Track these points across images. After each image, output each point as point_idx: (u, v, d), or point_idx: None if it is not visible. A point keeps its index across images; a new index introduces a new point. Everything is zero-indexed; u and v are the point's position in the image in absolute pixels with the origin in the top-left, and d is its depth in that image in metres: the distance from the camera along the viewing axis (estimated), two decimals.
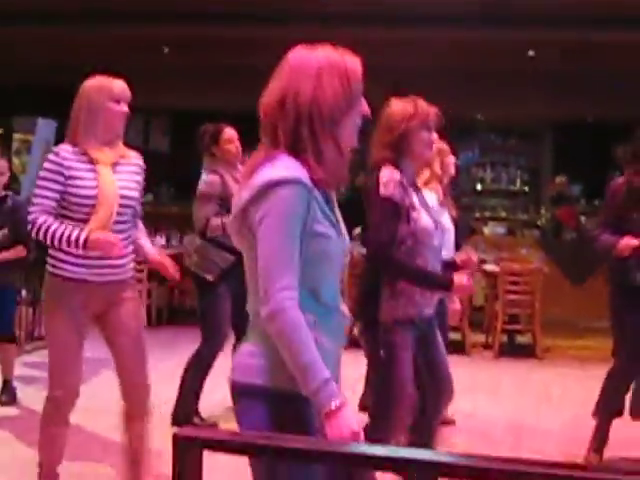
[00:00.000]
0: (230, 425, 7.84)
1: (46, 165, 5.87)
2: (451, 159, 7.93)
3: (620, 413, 7.59)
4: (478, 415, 9.19)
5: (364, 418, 5.66)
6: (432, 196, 7.39)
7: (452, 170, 8.06)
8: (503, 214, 20.16)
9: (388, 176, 5.38)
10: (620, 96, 17.50)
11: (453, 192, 8.23)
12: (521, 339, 13.15)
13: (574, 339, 13.88)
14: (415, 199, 5.58)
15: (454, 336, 11.96)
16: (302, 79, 3.35)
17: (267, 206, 3.23)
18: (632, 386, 8.59)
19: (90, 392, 6.28)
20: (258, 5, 14.13)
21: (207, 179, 8.12)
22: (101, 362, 7.68)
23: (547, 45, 15.29)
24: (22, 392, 9.10)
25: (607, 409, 7.45)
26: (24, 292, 11.81)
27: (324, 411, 3.18)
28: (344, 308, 3.54)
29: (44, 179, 5.84)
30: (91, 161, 5.90)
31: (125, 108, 6.09)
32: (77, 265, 5.88)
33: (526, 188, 20.93)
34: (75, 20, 14.99)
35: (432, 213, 5.87)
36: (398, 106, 5.58)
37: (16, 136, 21.31)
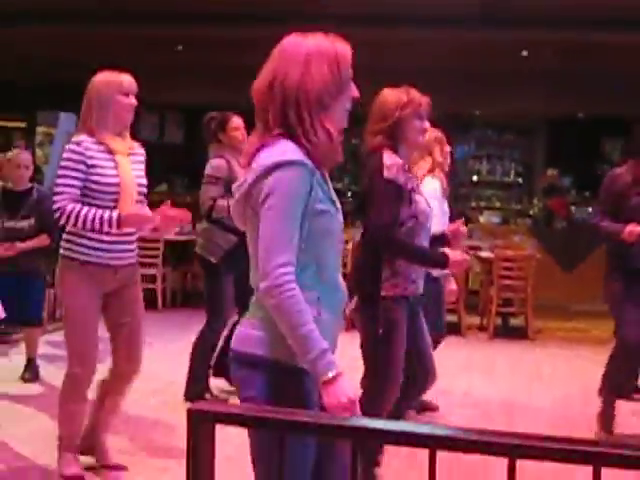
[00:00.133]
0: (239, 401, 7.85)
1: (68, 155, 5.87)
2: (448, 148, 7.91)
3: (626, 392, 7.57)
4: (473, 393, 9.20)
5: (359, 390, 5.64)
6: (436, 183, 7.38)
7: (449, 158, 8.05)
8: (498, 204, 20.16)
9: (392, 160, 5.37)
10: (609, 94, 17.47)
11: (450, 182, 8.18)
12: (514, 321, 13.15)
13: (564, 321, 13.89)
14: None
15: (451, 318, 11.97)
16: (291, 64, 3.33)
17: (270, 187, 3.23)
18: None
19: (106, 369, 6.28)
20: (266, 7, 14.11)
21: (214, 163, 8.12)
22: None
23: (540, 46, 15.26)
24: (44, 370, 9.13)
25: (611, 389, 7.41)
26: (48, 277, 11.84)
27: (322, 379, 3.18)
28: (343, 284, 3.54)
29: (67, 168, 5.85)
30: (109, 151, 5.95)
31: (133, 101, 6.12)
32: (97, 249, 5.93)
33: (520, 180, 20.91)
34: (95, 20, 14.98)
35: (424, 196, 5.93)
36: (392, 95, 5.57)
37: (39, 129, 21.38)
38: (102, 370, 6.25)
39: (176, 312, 13.51)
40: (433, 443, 2.29)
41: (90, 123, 5.97)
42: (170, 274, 14.21)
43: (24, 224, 8.77)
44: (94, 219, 5.70)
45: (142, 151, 6.34)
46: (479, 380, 9.79)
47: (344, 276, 3.63)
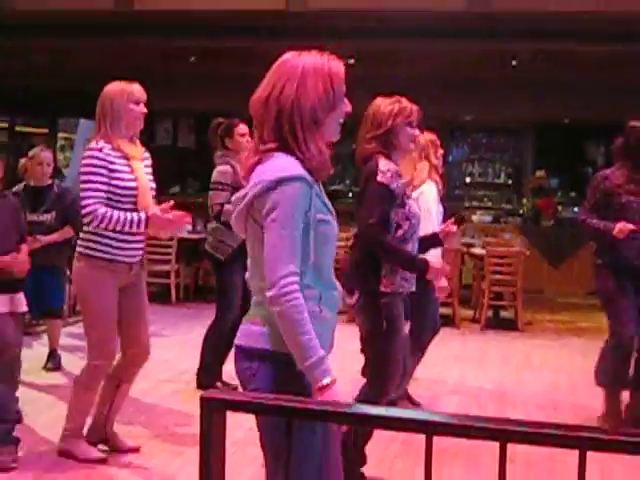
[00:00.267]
0: None
1: (92, 161, 5.90)
2: (441, 151, 7.89)
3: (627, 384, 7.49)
4: (467, 380, 9.20)
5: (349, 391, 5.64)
6: (433, 187, 7.37)
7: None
8: (489, 204, 20.13)
9: (387, 166, 5.38)
10: (592, 101, 17.47)
11: (444, 183, 8.15)
12: (505, 314, 13.15)
13: (551, 314, 13.88)
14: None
15: (445, 311, 11.99)
16: (287, 80, 3.32)
17: (274, 201, 3.22)
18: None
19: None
20: (272, 21, 14.12)
21: (220, 169, 8.11)
22: None
23: (528, 56, 15.26)
24: (65, 360, 9.13)
25: (611, 382, 7.35)
26: (68, 271, 11.85)
27: (317, 385, 3.21)
28: (338, 283, 3.55)
29: (92, 174, 5.88)
30: (125, 157, 6.00)
31: (144, 109, 6.17)
32: (121, 248, 6.01)
33: (510, 181, 20.89)
34: (112, 33, 14.99)
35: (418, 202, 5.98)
36: (385, 104, 5.57)
37: (60, 135, 21.43)
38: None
39: (188, 305, 13.51)
40: (429, 429, 2.29)
41: (105, 130, 6.01)
42: (183, 270, 14.21)
43: (46, 218, 8.79)
44: (125, 222, 5.81)
45: (149, 155, 6.38)
46: (472, 369, 9.79)
47: (337, 271, 3.64)
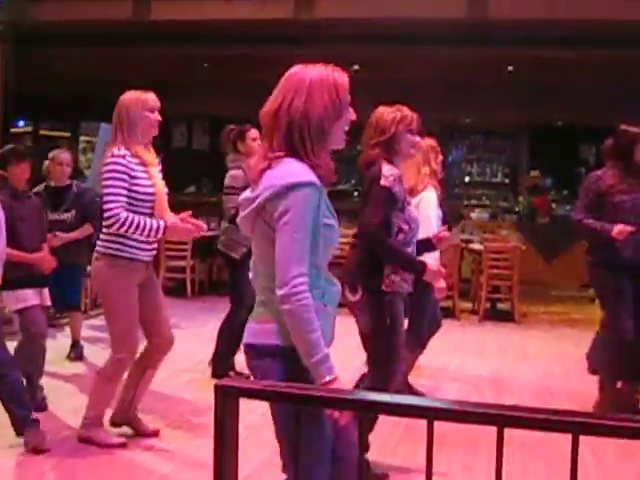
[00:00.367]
0: None
1: (115, 167, 5.91)
2: (441, 157, 7.87)
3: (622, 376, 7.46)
4: (466, 369, 9.20)
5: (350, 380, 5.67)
6: (433, 193, 7.35)
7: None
8: (487, 202, 20.12)
9: (390, 171, 5.38)
10: (584, 104, 17.46)
11: (442, 187, 8.11)
12: (502, 306, 13.13)
13: (546, 306, 13.87)
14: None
15: (446, 303, 11.97)
16: (295, 93, 3.34)
17: (287, 205, 3.23)
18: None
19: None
20: (282, 30, 14.12)
21: (232, 173, 8.12)
22: None
23: (524, 62, 15.26)
24: (87, 350, 9.15)
25: (609, 374, 7.31)
26: (89, 267, 11.86)
27: (321, 381, 3.22)
28: (336, 280, 3.58)
29: (115, 179, 5.90)
30: (143, 163, 6.04)
31: (158, 116, 6.21)
32: (141, 249, 6.07)
33: (506, 180, 20.94)
34: (130, 42, 15.00)
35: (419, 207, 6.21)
36: (387, 112, 5.58)
37: (82, 138, 21.46)
38: None
39: (203, 299, 13.52)
40: (431, 414, 2.30)
41: (123, 137, 6.04)
42: (198, 266, 14.22)
43: (66, 216, 8.78)
44: (144, 227, 5.85)
45: (159, 161, 6.38)
46: (471, 358, 9.79)
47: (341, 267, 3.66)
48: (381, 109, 5.65)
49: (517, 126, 20.01)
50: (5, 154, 7.23)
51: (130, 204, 5.92)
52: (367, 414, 3.03)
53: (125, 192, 5.90)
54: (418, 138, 5.77)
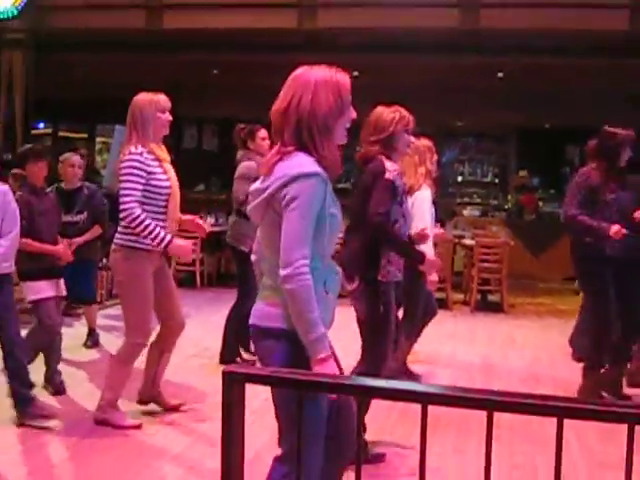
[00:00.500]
0: None
1: (133, 164, 5.96)
2: (436, 156, 7.86)
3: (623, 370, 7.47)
4: (458, 356, 9.19)
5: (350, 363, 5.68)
6: (428, 192, 7.34)
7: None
8: (478, 200, 20.13)
9: (393, 166, 5.43)
10: (570, 108, 17.46)
11: (437, 185, 8.11)
12: (492, 297, 13.12)
13: (533, 297, 13.87)
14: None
15: (439, 295, 11.95)
16: (302, 92, 3.41)
17: (294, 193, 3.30)
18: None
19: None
20: (287, 37, 14.12)
21: (245, 164, 8.12)
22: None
23: (513, 69, 15.25)
24: (103, 338, 9.15)
25: (593, 361, 7.30)
26: (104, 260, 11.88)
27: (316, 357, 3.27)
28: (338, 268, 3.64)
29: (132, 175, 5.95)
30: (158, 159, 6.08)
31: (169, 116, 6.27)
32: None
33: (496, 180, 20.91)
34: (144, 50, 15.01)
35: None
36: (386, 112, 5.61)
37: (98, 139, 21.46)
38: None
39: (212, 290, 13.52)
40: (425, 399, 2.30)
41: (138, 136, 6.08)
42: (207, 259, 14.22)
43: (79, 218, 8.74)
44: (152, 232, 5.90)
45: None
46: (463, 346, 9.79)
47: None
48: (380, 109, 5.66)
49: (506, 129, 19.99)
50: (24, 153, 7.24)
51: (147, 197, 5.98)
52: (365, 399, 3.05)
53: (141, 187, 5.94)
54: (413, 138, 5.82)
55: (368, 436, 5.68)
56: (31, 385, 6.37)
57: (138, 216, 5.88)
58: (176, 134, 6.36)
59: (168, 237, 5.95)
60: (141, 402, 6.65)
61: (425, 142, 7.43)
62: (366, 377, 4.79)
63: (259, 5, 13.85)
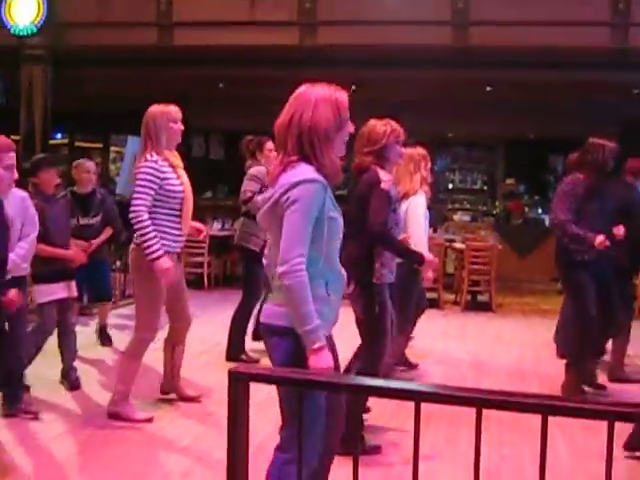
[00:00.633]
0: (267, 361, 7.88)
1: (148, 170, 6.01)
2: (429, 164, 7.85)
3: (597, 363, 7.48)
4: (450, 353, 9.19)
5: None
6: (423, 198, 7.34)
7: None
8: (468, 206, 20.13)
9: (386, 176, 5.49)
10: (553, 120, 17.49)
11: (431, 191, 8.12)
12: (481, 298, 13.11)
13: (519, 297, 13.87)
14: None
15: (431, 295, 11.98)
16: (304, 108, 3.51)
17: (295, 197, 3.39)
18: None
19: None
20: (290, 53, 14.12)
21: (256, 168, 8.18)
22: None
23: (500, 83, 15.25)
24: (116, 336, 9.13)
25: (574, 360, 7.28)
26: (118, 263, 11.88)
27: (311, 347, 3.35)
28: (343, 271, 3.69)
29: (146, 180, 6.01)
30: (172, 166, 6.16)
31: (181, 126, 6.32)
32: (174, 240, 6.18)
33: (485, 187, 20.90)
34: (156, 65, 15.01)
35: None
36: (379, 124, 5.64)
37: (112, 149, 21.47)
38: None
39: (218, 291, 13.50)
40: (418, 397, 2.30)
41: (152, 145, 6.12)
42: (214, 262, 14.20)
43: (95, 221, 8.73)
44: (148, 239, 5.95)
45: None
46: (454, 343, 9.79)
47: None
48: (373, 122, 5.69)
49: (494, 139, 20.00)
50: (37, 162, 7.22)
51: (162, 200, 6.05)
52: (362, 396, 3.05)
53: (152, 193, 5.99)
54: (403, 149, 5.86)
55: (364, 428, 5.69)
56: (25, 385, 6.46)
57: (143, 220, 5.93)
58: (185, 144, 6.40)
59: (159, 252, 5.95)
60: (163, 392, 6.80)
61: (420, 150, 7.44)
62: (366, 373, 4.97)
63: (263, 23, 13.84)
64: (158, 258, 5.95)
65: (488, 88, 16.07)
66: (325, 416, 3.54)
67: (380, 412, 6.35)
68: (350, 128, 3.64)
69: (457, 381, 7.84)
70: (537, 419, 2.24)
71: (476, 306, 12.73)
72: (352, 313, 5.49)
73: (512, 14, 13.15)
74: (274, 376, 2.57)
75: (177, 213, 6.14)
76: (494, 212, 18.77)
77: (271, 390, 3.36)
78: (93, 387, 7.19)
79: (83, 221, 8.54)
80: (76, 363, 7.32)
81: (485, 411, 2.26)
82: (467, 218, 18.18)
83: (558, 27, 12.92)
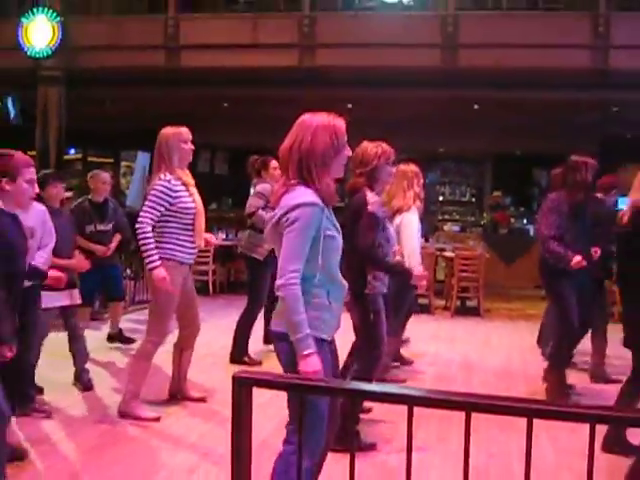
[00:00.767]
0: (268, 363, 7.88)
1: (160, 188, 6.09)
2: (422, 180, 7.85)
3: (568, 364, 7.46)
4: (440, 356, 9.18)
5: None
6: (415, 213, 7.33)
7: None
8: (457, 217, 20.18)
9: (373, 198, 5.54)
10: (537, 136, 17.52)
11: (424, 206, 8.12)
12: (470, 303, 13.12)
13: (506, 303, 13.85)
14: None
15: (423, 301, 12.02)
16: (304, 134, 3.63)
17: (294, 218, 3.52)
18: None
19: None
20: (288, 74, 14.16)
21: (263, 185, 8.21)
22: None
23: (488, 101, 15.29)
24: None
25: (561, 364, 7.26)
26: (128, 270, 11.88)
27: (301, 353, 3.46)
28: (344, 281, 3.80)
29: (156, 197, 6.09)
30: (184, 184, 6.22)
31: (192, 146, 6.39)
32: (187, 253, 6.25)
33: (473, 199, 20.96)
34: (164, 85, 15.08)
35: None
36: (371, 147, 5.69)
37: (123, 164, 21.50)
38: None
39: (223, 297, 13.48)
40: (411, 401, 2.30)
41: (166, 165, 6.20)
42: (218, 269, 14.19)
43: (109, 227, 8.81)
44: (148, 250, 6.03)
45: None
46: (444, 346, 9.78)
47: None
48: (365, 144, 5.73)
49: (482, 154, 20.04)
50: (44, 177, 7.17)
51: (174, 216, 6.12)
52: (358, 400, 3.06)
53: (162, 209, 6.07)
54: (394, 169, 5.95)
55: (361, 427, 5.69)
56: (38, 386, 6.47)
57: (146, 232, 6.02)
58: (192, 160, 6.46)
59: (157, 263, 6.02)
60: (170, 394, 6.81)
61: (413, 167, 7.44)
62: (363, 373, 5.08)
63: (265, 46, 13.90)
64: (155, 267, 6.02)
65: (476, 106, 16.11)
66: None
67: (375, 411, 6.35)
68: (348, 152, 3.75)
69: (448, 380, 7.88)
70: (523, 419, 2.24)
71: (465, 311, 12.73)
72: (348, 319, 5.51)
73: (498, 37, 13.22)
74: (276, 382, 2.57)
75: (190, 228, 6.20)
76: (482, 223, 18.76)
77: (272, 392, 3.36)
78: (104, 388, 7.17)
79: (100, 227, 8.72)
80: (88, 365, 7.32)
81: (473, 416, 2.27)
82: (456, 228, 18.19)
83: (542, 50, 12.99)
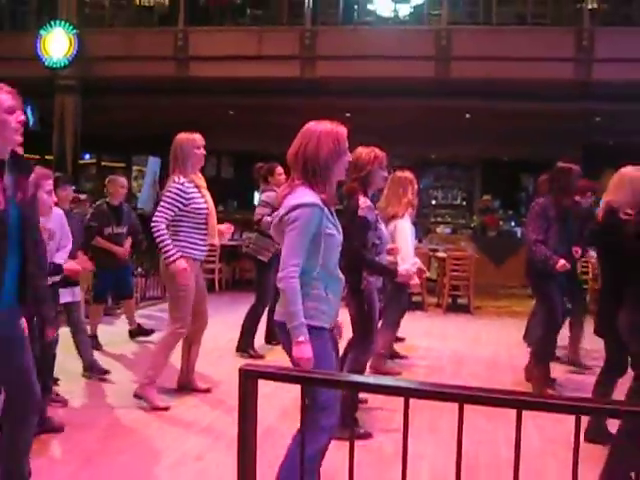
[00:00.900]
0: (271, 357, 7.89)
1: (174, 190, 6.16)
2: (416, 187, 7.84)
3: (552, 358, 7.46)
4: (432, 350, 9.17)
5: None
6: (408, 222, 7.34)
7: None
8: (449, 220, 20.15)
9: (365, 203, 5.58)
10: (525, 143, 17.54)
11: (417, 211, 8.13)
12: (460, 301, 13.09)
13: (495, 301, 13.84)
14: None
15: (416, 299, 12.02)
16: (309, 140, 3.75)
17: (295, 217, 3.63)
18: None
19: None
20: (290, 84, 14.18)
21: (268, 194, 8.24)
22: None
23: (478, 111, 15.31)
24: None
25: (545, 357, 7.25)
26: (140, 269, 11.88)
27: (295, 340, 3.57)
28: (342, 276, 3.89)
29: (170, 198, 6.16)
30: (197, 187, 6.29)
31: (204, 152, 6.44)
32: (199, 250, 6.34)
33: (464, 203, 20.96)
34: (173, 94, 15.10)
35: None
36: (365, 152, 5.71)
37: (134, 168, 21.51)
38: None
39: (228, 294, 13.46)
40: (406, 393, 2.30)
41: (179, 169, 6.26)
42: (224, 268, 14.17)
43: (125, 229, 8.85)
44: (166, 245, 6.10)
45: None
46: (437, 341, 9.77)
47: None
48: (360, 149, 5.73)
49: (473, 160, 20.04)
50: (54, 180, 7.15)
51: (188, 217, 6.18)
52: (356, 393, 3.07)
53: (175, 210, 6.14)
54: (387, 173, 6.01)
55: (358, 415, 5.71)
56: (54, 377, 6.44)
57: (161, 229, 6.08)
58: None
59: (176, 256, 6.10)
60: (179, 385, 6.82)
61: (408, 174, 7.43)
62: (358, 360, 5.23)
63: (268, 57, 13.92)
64: (175, 260, 6.09)
65: (467, 115, 16.12)
66: None
67: (371, 403, 6.35)
68: (349, 157, 3.86)
69: (440, 373, 7.91)
70: (512, 412, 2.25)
71: (456, 308, 12.71)
72: (345, 311, 5.55)
73: (489, 51, 13.25)
74: (279, 374, 2.58)
75: (202, 227, 6.26)
76: (472, 225, 18.74)
77: (276, 383, 3.37)
78: (116, 379, 7.17)
79: (117, 230, 8.73)
80: (102, 358, 7.32)
81: (466, 407, 2.28)
82: (448, 230, 18.16)
83: (529, 62, 13.00)
